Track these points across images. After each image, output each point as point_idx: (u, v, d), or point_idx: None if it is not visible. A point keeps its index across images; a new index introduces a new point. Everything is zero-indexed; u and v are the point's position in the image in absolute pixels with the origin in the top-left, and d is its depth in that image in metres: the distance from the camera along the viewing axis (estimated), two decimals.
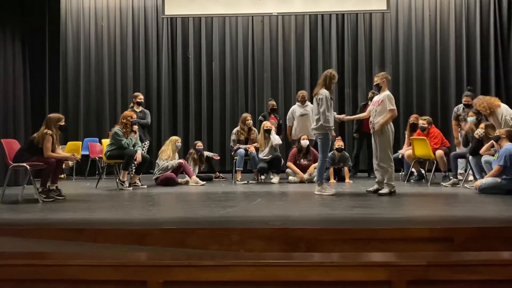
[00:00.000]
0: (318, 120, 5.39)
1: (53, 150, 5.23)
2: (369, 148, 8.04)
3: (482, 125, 5.95)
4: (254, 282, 2.28)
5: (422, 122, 6.90)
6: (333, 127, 5.58)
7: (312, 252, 3.12)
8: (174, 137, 7.43)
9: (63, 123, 5.48)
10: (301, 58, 9.49)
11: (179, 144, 7.33)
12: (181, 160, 7.13)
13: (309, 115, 7.56)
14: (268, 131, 7.31)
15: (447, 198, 5.35)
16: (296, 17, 9.52)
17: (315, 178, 5.82)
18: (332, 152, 7.06)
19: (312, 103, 7.68)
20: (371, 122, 5.53)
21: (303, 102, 7.72)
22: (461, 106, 6.93)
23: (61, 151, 5.77)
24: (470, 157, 6.02)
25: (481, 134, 5.86)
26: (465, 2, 9.24)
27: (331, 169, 7.16)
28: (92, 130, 9.47)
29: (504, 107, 6.02)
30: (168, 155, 7.06)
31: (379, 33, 9.40)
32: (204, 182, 7.06)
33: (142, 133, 7.11)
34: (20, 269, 2.39)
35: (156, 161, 7.23)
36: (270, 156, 7.22)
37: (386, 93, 5.45)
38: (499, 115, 5.91)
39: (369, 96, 7.98)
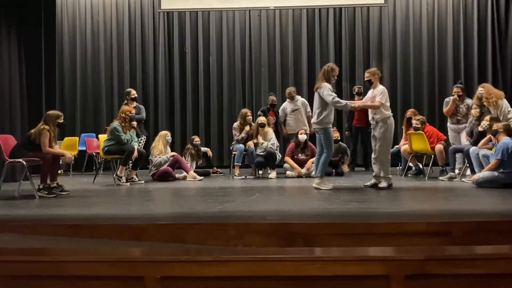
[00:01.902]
0: (319, 114, 5.36)
1: (50, 147, 5.20)
2: (363, 142, 8.05)
3: (487, 117, 5.90)
4: (252, 277, 2.28)
5: (415, 122, 6.77)
6: (347, 105, 5.47)
7: (310, 246, 3.12)
8: (163, 132, 7.42)
9: (61, 121, 5.45)
10: (298, 52, 9.45)
11: (169, 138, 7.31)
12: (174, 153, 7.17)
13: (300, 109, 7.65)
14: (262, 125, 7.32)
15: (444, 192, 5.34)
16: (293, 11, 9.48)
17: (315, 172, 5.70)
18: None
19: (303, 97, 7.74)
20: (372, 118, 5.52)
21: (291, 98, 7.74)
22: (451, 98, 6.92)
23: (58, 148, 5.74)
24: (471, 149, 5.96)
25: (486, 126, 5.82)
26: None
27: None
28: (89, 125, 9.43)
29: (505, 101, 6.03)
30: (160, 150, 7.06)
31: (376, 26, 9.37)
32: (202, 177, 7.05)
33: (138, 128, 7.10)
34: (17, 265, 2.38)
35: (149, 157, 7.22)
36: (266, 151, 7.21)
37: (380, 87, 5.45)
38: (500, 106, 5.89)
39: (356, 91, 8.00)
